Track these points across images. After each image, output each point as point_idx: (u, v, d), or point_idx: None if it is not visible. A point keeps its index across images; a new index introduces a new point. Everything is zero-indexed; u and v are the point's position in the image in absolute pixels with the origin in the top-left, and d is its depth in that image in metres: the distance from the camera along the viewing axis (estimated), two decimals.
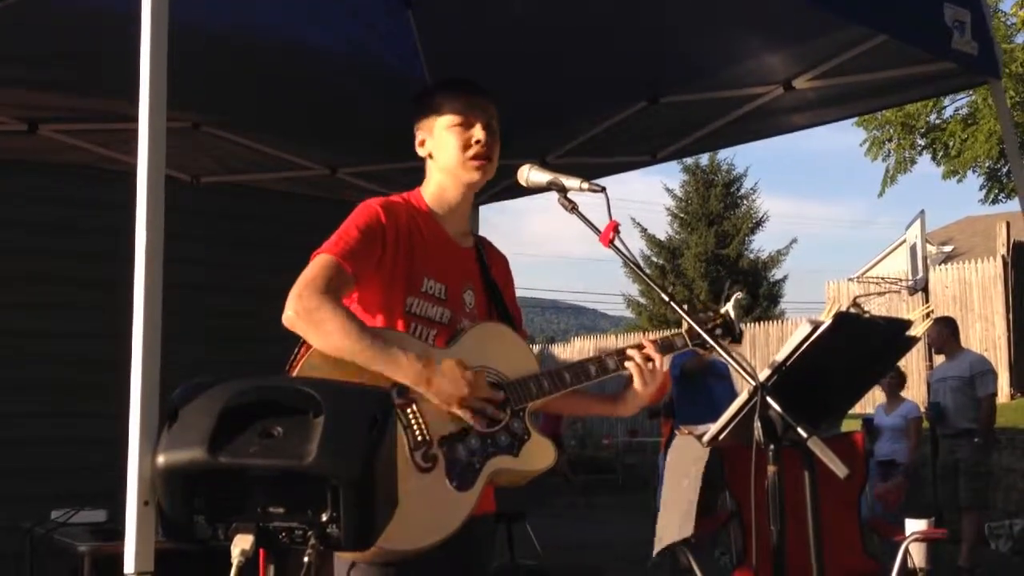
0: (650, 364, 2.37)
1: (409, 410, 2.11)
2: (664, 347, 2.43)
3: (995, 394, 7.44)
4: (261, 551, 1.69)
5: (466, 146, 2.34)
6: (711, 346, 2.32)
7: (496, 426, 2.22)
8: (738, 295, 2.53)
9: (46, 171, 5.31)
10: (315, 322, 2.06)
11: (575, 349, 21.29)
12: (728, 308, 2.49)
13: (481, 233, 2.68)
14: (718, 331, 2.46)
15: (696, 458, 3.64)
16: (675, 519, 3.67)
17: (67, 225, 5.51)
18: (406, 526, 1.88)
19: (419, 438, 2.10)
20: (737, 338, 2.46)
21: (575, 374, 2.33)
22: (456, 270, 2.36)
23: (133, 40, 2.08)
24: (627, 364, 2.37)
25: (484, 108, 2.38)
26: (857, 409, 8.21)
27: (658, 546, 3.67)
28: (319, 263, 2.14)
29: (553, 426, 14.49)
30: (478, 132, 2.35)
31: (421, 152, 2.41)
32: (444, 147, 2.36)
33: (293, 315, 2.07)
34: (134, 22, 2.08)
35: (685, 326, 2.41)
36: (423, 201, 2.39)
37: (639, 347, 2.39)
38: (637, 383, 2.37)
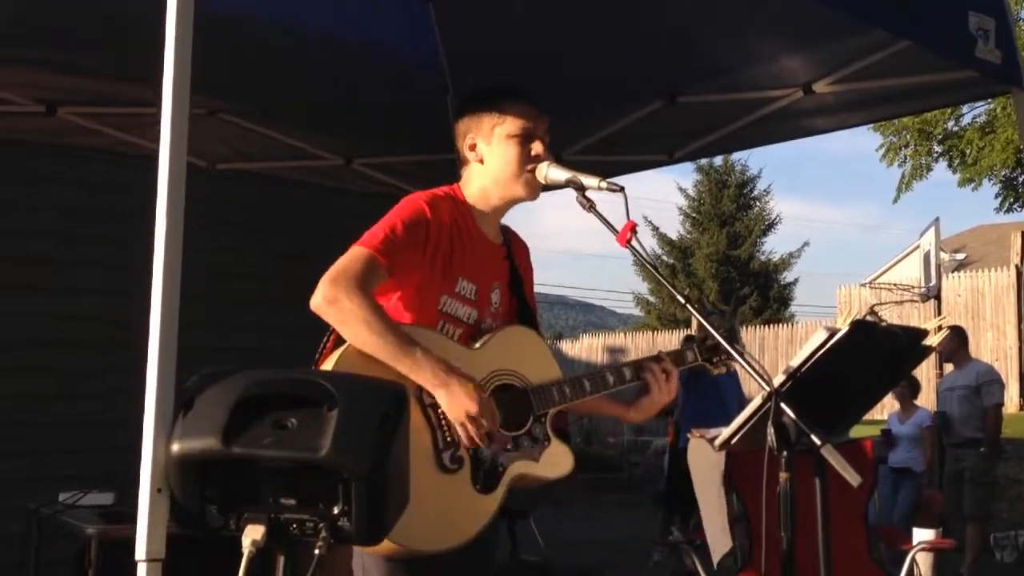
0: (665, 376, 2.43)
1: (440, 410, 2.11)
2: (677, 360, 2.51)
3: (1001, 404, 7.41)
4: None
5: (526, 160, 2.32)
6: (715, 359, 2.48)
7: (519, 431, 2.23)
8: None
9: (60, 153, 5.31)
10: (342, 312, 2.06)
11: (583, 346, 21.27)
12: (734, 324, 2.55)
13: None
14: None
15: (714, 465, 3.64)
16: (720, 531, 3.70)
17: (78, 208, 5.50)
18: (432, 528, 1.90)
19: (448, 439, 2.11)
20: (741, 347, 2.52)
21: (594, 382, 2.38)
22: (487, 270, 2.37)
23: (154, 25, 2.08)
24: (646, 376, 2.42)
25: (545, 125, 2.36)
26: (867, 416, 8.13)
27: (716, 557, 3.71)
28: (356, 254, 2.14)
29: (560, 422, 14.46)
30: (539, 147, 2.33)
31: (469, 155, 2.36)
32: (501, 156, 2.32)
33: (321, 301, 2.07)
34: (157, 6, 2.08)
35: (695, 324, 2.44)
36: (463, 198, 2.37)
37: (658, 360, 2.44)
38: (655, 394, 2.42)
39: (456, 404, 2.08)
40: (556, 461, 2.29)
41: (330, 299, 2.06)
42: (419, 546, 1.95)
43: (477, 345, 2.27)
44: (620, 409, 2.54)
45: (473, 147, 2.36)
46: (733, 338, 2.56)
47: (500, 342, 2.29)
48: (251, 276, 5.68)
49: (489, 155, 2.34)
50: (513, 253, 2.48)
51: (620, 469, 14.74)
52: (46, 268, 5.34)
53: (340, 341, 2.12)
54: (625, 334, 22.52)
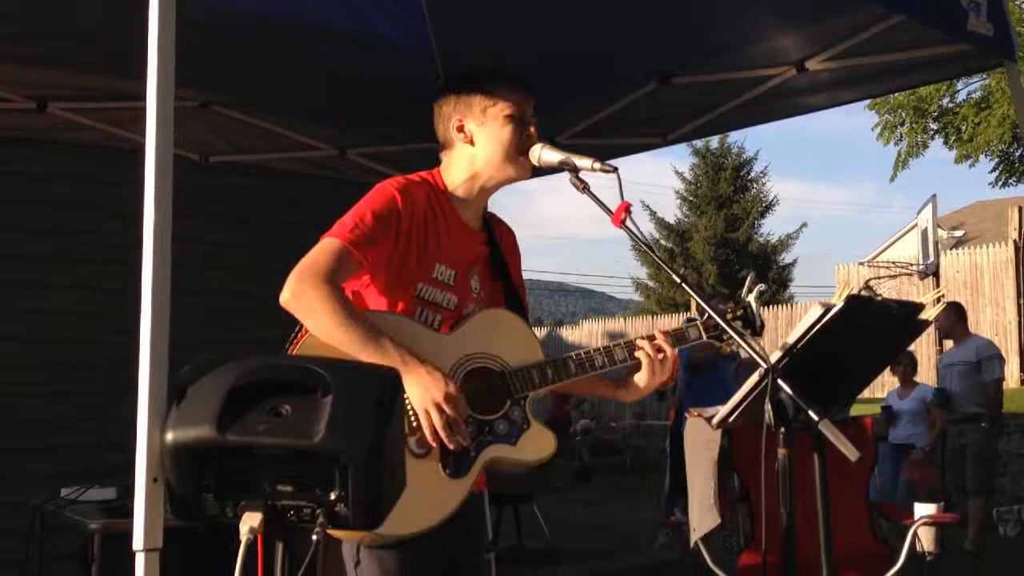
0: (660, 355, 2.33)
1: (406, 395, 2.08)
2: (677, 339, 2.38)
3: (1001, 379, 7.43)
4: (259, 538, 1.67)
5: (521, 142, 2.30)
6: (726, 336, 2.28)
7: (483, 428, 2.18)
8: (760, 286, 2.46)
9: (53, 149, 5.29)
10: (308, 306, 2.05)
11: (584, 332, 21.30)
12: (750, 299, 2.43)
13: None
14: (737, 323, 2.38)
15: (708, 441, 3.64)
16: (706, 508, 3.68)
17: (71, 203, 5.49)
18: (398, 511, 1.86)
19: (415, 423, 2.09)
20: (758, 330, 2.39)
21: (580, 364, 2.30)
22: (466, 255, 2.34)
23: (142, 18, 2.07)
24: (637, 354, 2.33)
25: (534, 107, 2.34)
26: (866, 394, 8.19)
27: (695, 536, 3.68)
28: (325, 247, 2.12)
29: (560, 407, 14.52)
30: (532, 129, 2.32)
31: (456, 136, 2.32)
32: (495, 137, 2.29)
33: (289, 296, 2.07)
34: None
35: (695, 307, 2.38)
36: (443, 183, 2.34)
37: (650, 338, 2.35)
38: (645, 374, 2.32)
39: (421, 392, 2.05)
40: (536, 445, 2.23)
41: (297, 294, 2.06)
42: (386, 530, 1.89)
43: (455, 330, 2.24)
44: (609, 389, 2.45)
45: (461, 128, 2.32)
46: (750, 319, 2.41)
47: (476, 325, 2.26)
48: (246, 268, 5.67)
49: (480, 136, 2.31)
50: (497, 238, 2.45)
51: (622, 453, 14.78)
52: (43, 264, 5.33)
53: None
54: (625, 319, 22.54)
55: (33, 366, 5.21)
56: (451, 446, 2.08)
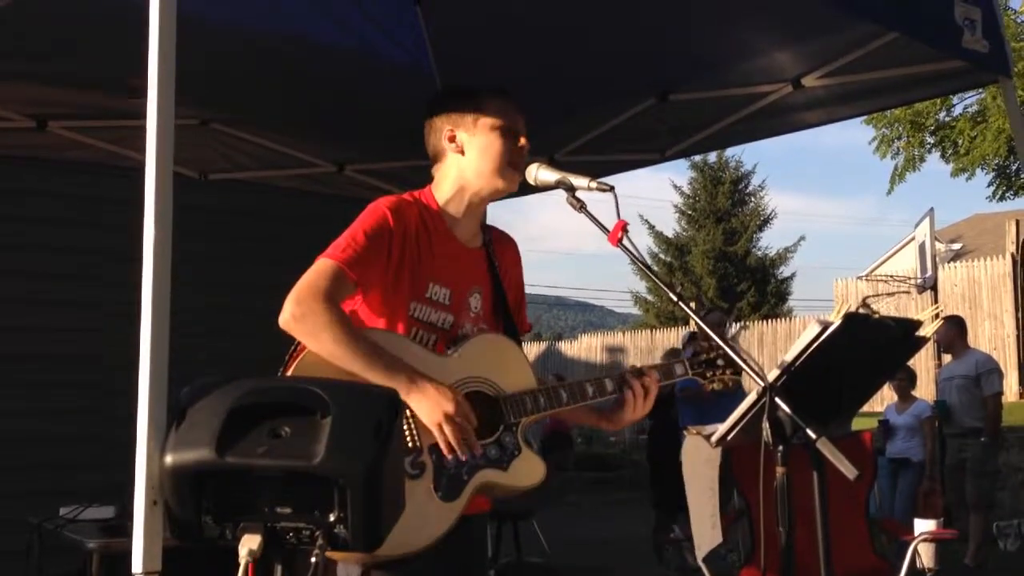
0: (644, 393, 2.37)
1: (411, 414, 2.10)
2: (664, 374, 2.44)
3: (1001, 393, 7.42)
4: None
5: (511, 152, 2.31)
6: (708, 374, 2.40)
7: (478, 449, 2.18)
8: (738, 325, 2.54)
9: (54, 167, 5.31)
10: (309, 327, 2.06)
11: (582, 346, 21.29)
12: (731, 332, 2.48)
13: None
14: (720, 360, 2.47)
15: (708, 459, 3.64)
16: (708, 526, 3.68)
17: (71, 221, 5.50)
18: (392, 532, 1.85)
19: (409, 444, 2.09)
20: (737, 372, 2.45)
21: (572, 393, 2.33)
22: (463, 274, 2.34)
23: (143, 37, 2.08)
24: (625, 391, 2.38)
25: (524, 122, 2.36)
26: (866, 408, 8.16)
27: (699, 555, 3.68)
28: (321, 268, 2.13)
29: (560, 423, 14.47)
30: (523, 141, 2.33)
31: (448, 147, 2.33)
32: (485, 147, 2.30)
33: (289, 318, 2.07)
34: (143, 17, 2.08)
35: (692, 325, 2.40)
36: (434, 201, 2.34)
37: (639, 375, 2.39)
38: (628, 411, 2.38)
39: (432, 407, 2.07)
40: (526, 471, 2.25)
41: (297, 316, 2.06)
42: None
43: (449, 352, 2.25)
44: (593, 418, 2.49)
45: (452, 138, 2.33)
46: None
47: (473, 349, 2.27)
48: (246, 285, 5.66)
49: (470, 146, 2.32)
50: (497, 254, 2.45)
51: (621, 468, 14.75)
52: (44, 282, 5.34)
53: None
54: (624, 333, 22.54)
55: (33, 384, 5.20)
56: (464, 457, 2.12)
